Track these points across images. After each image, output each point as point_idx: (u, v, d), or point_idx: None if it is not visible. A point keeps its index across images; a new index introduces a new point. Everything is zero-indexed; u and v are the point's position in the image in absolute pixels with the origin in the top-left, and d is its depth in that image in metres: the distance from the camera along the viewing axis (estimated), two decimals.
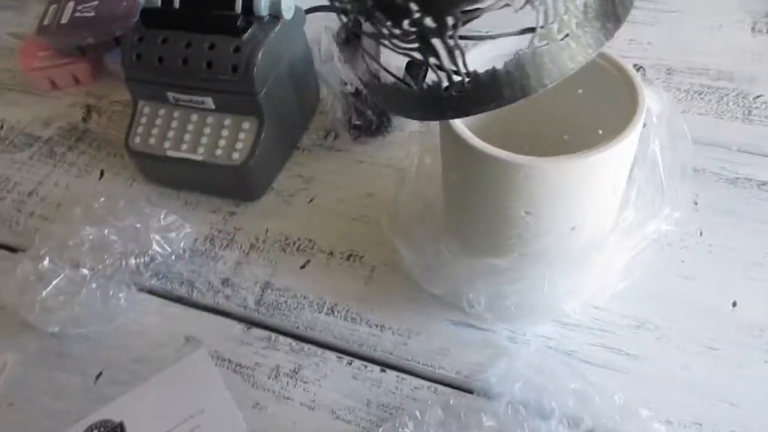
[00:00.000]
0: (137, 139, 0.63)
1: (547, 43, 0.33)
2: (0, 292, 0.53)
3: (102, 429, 0.49)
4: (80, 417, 0.50)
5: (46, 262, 0.52)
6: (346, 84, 0.62)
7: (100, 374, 0.53)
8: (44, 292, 0.51)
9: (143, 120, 0.63)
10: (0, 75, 0.81)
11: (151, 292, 0.58)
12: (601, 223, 0.45)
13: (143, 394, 0.51)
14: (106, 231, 0.55)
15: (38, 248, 0.53)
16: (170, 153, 0.61)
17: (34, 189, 0.67)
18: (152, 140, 0.62)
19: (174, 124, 0.62)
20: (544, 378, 0.47)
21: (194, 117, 0.61)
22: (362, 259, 0.58)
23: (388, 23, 0.34)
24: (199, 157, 0.60)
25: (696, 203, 0.58)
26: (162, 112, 0.62)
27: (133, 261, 0.56)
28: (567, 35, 0.33)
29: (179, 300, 0.57)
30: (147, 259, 0.57)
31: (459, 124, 0.39)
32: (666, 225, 0.48)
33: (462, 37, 0.33)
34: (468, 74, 0.34)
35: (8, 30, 0.87)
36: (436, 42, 0.33)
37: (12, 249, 0.61)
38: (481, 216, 0.44)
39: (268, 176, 0.64)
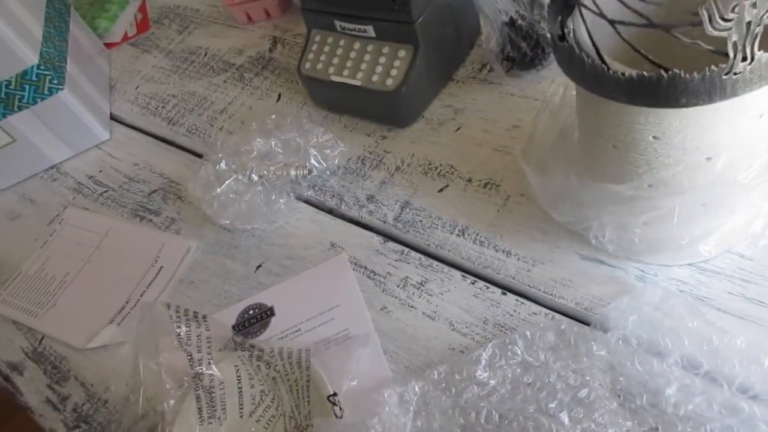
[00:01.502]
0: (307, 65, 0.69)
1: None
2: (188, 190, 0.64)
3: (257, 309, 0.58)
4: (242, 298, 0.59)
5: (222, 164, 0.62)
6: (502, 13, 0.62)
7: (260, 266, 0.61)
8: (218, 189, 0.60)
9: (314, 47, 0.69)
10: (207, 9, 0.93)
11: (307, 201, 0.65)
12: (747, 155, 0.41)
13: (291, 286, 0.59)
14: (273, 143, 0.63)
15: (217, 153, 0.63)
16: (333, 78, 0.67)
17: (225, 108, 0.78)
18: (320, 65, 0.68)
19: (339, 51, 0.67)
20: (662, 314, 0.46)
21: (357, 45, 0.66)
22: (498, 187, 0.59)
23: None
24: (358, 82, 0.65)
25: None
26: (330, 40, 0.68)
27: (293, 172, 0.63)
28: None
29: (329, 211, 0.64)
30: (305, 171, 0.64)
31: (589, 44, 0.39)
32: None
33: None
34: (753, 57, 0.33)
35: None
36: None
37: (201, 156, 0.72)
38: (610, 140, 0.43)
39: (420, 104, 0.68)
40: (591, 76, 0.38)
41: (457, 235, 0.58)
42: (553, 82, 0.54)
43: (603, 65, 0.37)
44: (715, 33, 0.33)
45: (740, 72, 0.33)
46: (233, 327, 0.57)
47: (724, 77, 0.34)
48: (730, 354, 0.42)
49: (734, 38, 0.33)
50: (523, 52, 0.64)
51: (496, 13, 0.63)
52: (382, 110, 0.67)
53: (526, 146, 0.53)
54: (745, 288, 0.48)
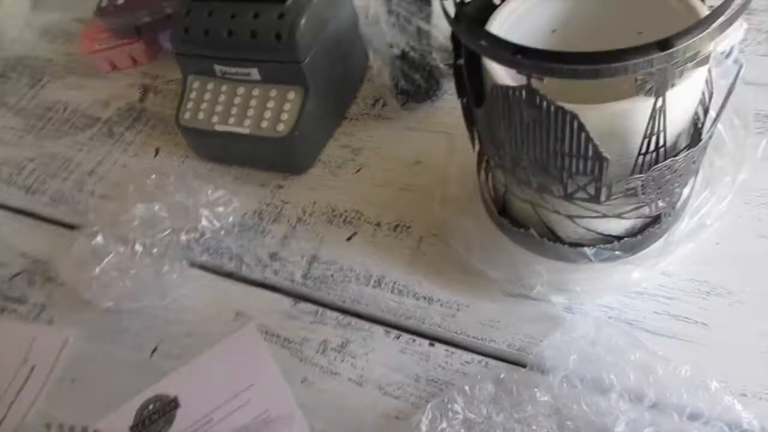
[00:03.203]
0: (187, 115, 0.63)
1: None
2: (59, 270, 0.55)
3: (158, 403, 0.50)
4: (138, 391, 0.51)
5: (99, 238, 0.54)
6: (392, 47, 0.59)
7: (155, 349, 0.54)
8: (98, 269, 0.52)
9: (192, 95, 0.63)
10: (62, 59, 0.83)
11: (202, 267, 0.58)
12: None
13: (195, 368, 0.52)
14: (156, 207, 0.56)
15: (92, 225, 0.55)
16: (218, 127, 0.61)
17: (94, 169, 0.69)
18: (201, 115, 0.62)
19: (221, 98, 0.61)
20: (602, 350, 0.44)
21: (241, 90, 0.61)
22: (409, 229, 0.56)
23: None
24: (246, 130, 0.60)
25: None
26: (210, 86, 0.62)
27: (184, 237, 0.57)
28: None
29: (229, 275, 0.57)
30: (197, 234, 0.57)
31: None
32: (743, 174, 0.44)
33: None
34: None
35: (75, 16, 0.89)
36: None
37: (71, 227, 0.63)
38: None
39: (316, 147, 0.63)
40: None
41: (373, 286, 0.53)
42: (459, 117, 0.52)
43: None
44: None
45: None
46: (131, 429, 0.49)
47: None
48: (675, 383, 0.41)
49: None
50: (417, 84, 0.61)
51: (386, 47, 0.60)
52: (276, 158, 0.62)
53: (443, 192, 0.50)
54: (669, 305, 0.47)
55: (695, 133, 0.40)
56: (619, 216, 0.39)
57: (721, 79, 0.39)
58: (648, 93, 0.31)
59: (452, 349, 0.49)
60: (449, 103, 0.63)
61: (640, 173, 0.36)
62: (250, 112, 0.60)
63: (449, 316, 0.50)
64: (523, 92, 0.32)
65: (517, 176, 0.39)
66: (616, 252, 0.43)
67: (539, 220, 0.42)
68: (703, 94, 0.39)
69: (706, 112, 0.40)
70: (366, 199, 0.59)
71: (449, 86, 0.63)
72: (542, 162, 0.36)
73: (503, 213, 0.46)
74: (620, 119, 0.34)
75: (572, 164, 0.35)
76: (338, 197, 0.60)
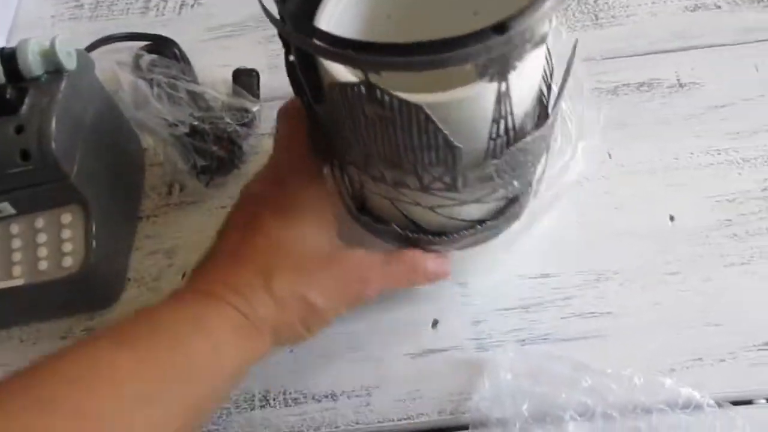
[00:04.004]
0: None
1: None
2: None
3: None
4: None
5: None
6: (176, 125, 0.49)
7: None
8: None
9: None
10: None
11: None
12: None
13: None
14: None
15: None
16: None
17: None
18: None
19: None
20: (539, 383, 0.41)
21: None
22: None
23: None
24: (19, 281, 0.45)
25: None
26: None
27: None
28: None
29: None
30: None
31: None
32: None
33: None
34: None
35: None
36: None
37: None
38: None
39: (119, 267, 0.51)
40: None
41: (261, 406, 0.44)
42: None
43: None
44: None
45: None
46: None
47: None
48: (607, 384, 0.39)
49: None
50: (216, 156, 0.52)
51: (165, 126, 0.50)
52: (72, 299, 0.48)
53: None
54: (570, 306, 0.46)
55: (542, 111, 0.39)
56: (478, 201, 0.38)
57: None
58: (491, 79, 0.29)
59: None
60: (259, 161, 0.55)
61: (494, 158, 0.34)
62: (17, 256, 0.46)
63: (364, 406, 0.43)
64: (362, 88, 0.30)
65: (371, 173, 0.37)
66: (480, 235, 0.41)
67: (400, 214, 0.41)
68: (545, 71, 0.39)
69: (549, 88, 0.39)
70: None
71: (252, 145, 0.55)
72: (394, 157, 0.34)
73: (363, 210, 0.43)
74: (467, 106, 0.32)
75: (424, 156, 0.33)
76: None
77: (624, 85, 0.57)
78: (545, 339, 0.44)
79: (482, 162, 0.34)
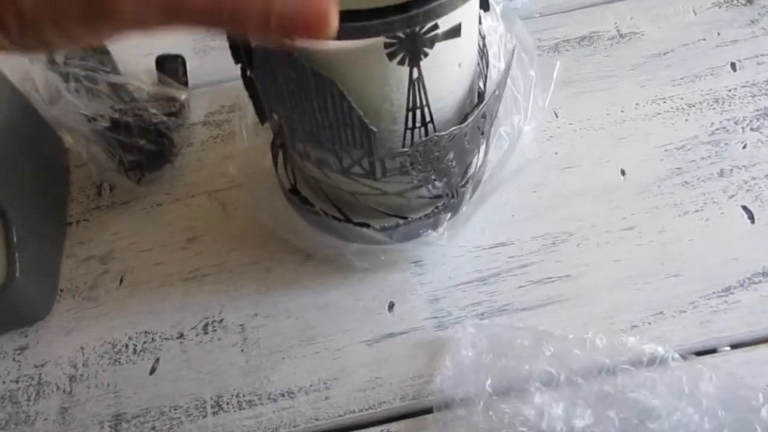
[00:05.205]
0: None
1: None
2: None
3: None
4: None
5: None
6: (95, 119, 0.46)
7: None
8: None
9: None
10: None
11: None
12: None
13: None
14: None
15: None
16: None
17: None
18: None
19: None
20: (500, 357, 0.39)
21: None
22: (221, 323, 0.44)
23: None
24: None
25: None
26: None
27: None
28: None
29: None
30: None
31: None
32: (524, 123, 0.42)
33: None
34: None
35: None
36: None
37: None
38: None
39: (49, 279, 0.47)
40: None
41: (214, 413, 0.41)
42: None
43: None
44: None
45: None
46: None
47: None
48: (571, 350, 0.38)
49: None
50: (146, 150, 0.49)
51: (85, 122, 0.47)
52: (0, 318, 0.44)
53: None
54: (528, 273, 0.44)
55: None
56: (400, 195, 0.38)
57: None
58: (401, 62, 0.29)
59: None
60: (194, 156, 0.52)
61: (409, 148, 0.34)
62: None
63: (323, 400, 0.41)
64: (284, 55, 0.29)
65: (297, 149, 0.37)
66: (404, 228, 0.40)
67: (325, 197, 0.40)
68: (480, 71, 0.38)
69: (485, 85, 0.38)
70: (151, 310, 0.45)
71: (184, 136, 0.52)
72: (314, 133, 0.33)
73: (294, 191, 0.42)
74: (377, 82, 0.31)
75: (341, 135, 0.33)
76: (114, 324, 0.45)
77: (564, 41, 0.55)
78: (504, 310, 0.43)
79: (399, 151, 0.34)
